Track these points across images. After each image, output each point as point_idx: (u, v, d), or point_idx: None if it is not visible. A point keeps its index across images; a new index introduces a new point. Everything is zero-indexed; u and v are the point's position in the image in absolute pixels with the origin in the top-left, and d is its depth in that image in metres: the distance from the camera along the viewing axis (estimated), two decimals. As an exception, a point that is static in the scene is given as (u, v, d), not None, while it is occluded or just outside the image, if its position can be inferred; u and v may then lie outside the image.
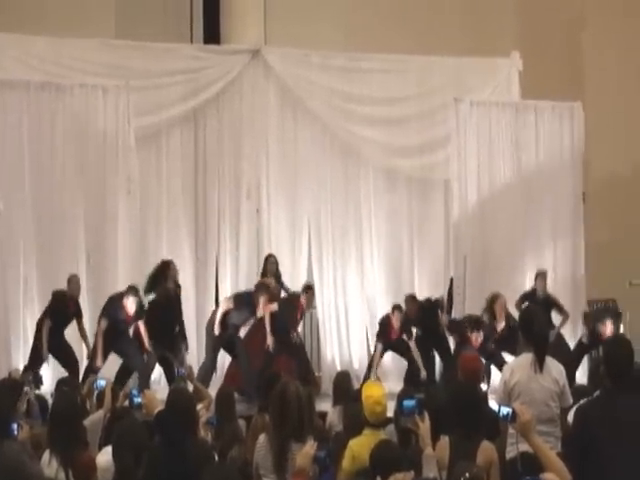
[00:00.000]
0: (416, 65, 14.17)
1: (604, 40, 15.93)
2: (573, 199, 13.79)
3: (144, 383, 10.98)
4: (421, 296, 13.20)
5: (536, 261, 13.46)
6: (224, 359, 12.65)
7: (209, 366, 11.90)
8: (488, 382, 10.52)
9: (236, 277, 13.60)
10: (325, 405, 9.24)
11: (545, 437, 5.61)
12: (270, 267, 12.90)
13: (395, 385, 10.30)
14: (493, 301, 12.01)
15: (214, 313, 12.23)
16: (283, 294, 12.86)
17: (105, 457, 6.11)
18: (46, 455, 5.95)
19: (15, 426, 5.66)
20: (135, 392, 6.56)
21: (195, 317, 13.23)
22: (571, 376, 10.04)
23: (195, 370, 10.67)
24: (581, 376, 11.87)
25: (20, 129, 11.99)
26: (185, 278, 13.25)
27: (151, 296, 11.78)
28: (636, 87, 16.28)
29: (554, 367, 6.31)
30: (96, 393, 8.30)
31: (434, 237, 14.30)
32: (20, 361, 11.39)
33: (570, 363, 10.90)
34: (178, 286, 12.15)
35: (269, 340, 11.96)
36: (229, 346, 12.21)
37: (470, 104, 13.38)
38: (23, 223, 11.95)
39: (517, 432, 4.75)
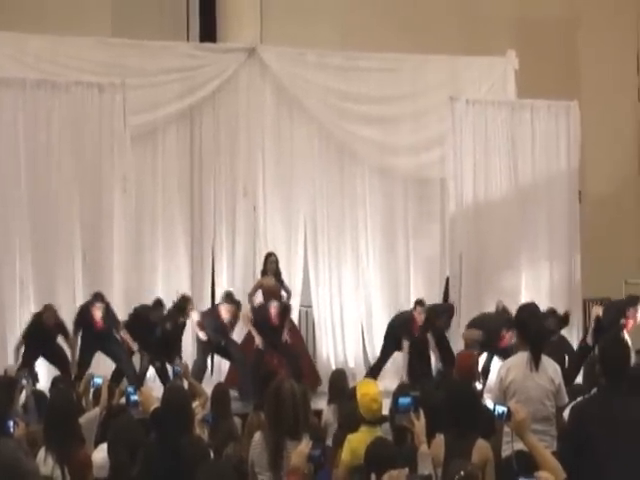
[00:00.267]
0: (412, 64, 14.14)
1: (600, 39, 15.95)
2: (569, 198, 13.80)
3: (138, 383, 10.97)
4: (417, 295, 13.20)
5: (532, 260, 13.47)
6: (223, 361, 12.72)
7: (201, 365, 11.92)
8: (485, 380, 10.52)
9: (232, 275, 13.59)
10: (321, 403, 9.25)
11: (540, 436, 5.62)
12: (270, 266, 12.88)
13: (391, 383, 10.29)
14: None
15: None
16: (283, 294, 12.88)
17: (101, 454, 6.13)
18: (42, 452, 5.94)
19: (11, 423, 5.66)
20: (131, 390, 6.54)
21: (191, 315, 13.22)
22: (573, 378, 10.04)
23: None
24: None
25: (16, 127, 11.98)
26: (181, 276, 13.29)
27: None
28: (632, 85, 16.30)
29: (550, 366, 6.31)
30: (93, 390, 8.32)
31: (430, 236, 14.28)
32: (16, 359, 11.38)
33: (573, 365, 10.95)
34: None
35: (257, 340, 12.02)
36: (221, 351, 12.27)
37: (466, 103, 13.38)
38: (19, 221, 11.94)
39: (512, 431, 4.76)
